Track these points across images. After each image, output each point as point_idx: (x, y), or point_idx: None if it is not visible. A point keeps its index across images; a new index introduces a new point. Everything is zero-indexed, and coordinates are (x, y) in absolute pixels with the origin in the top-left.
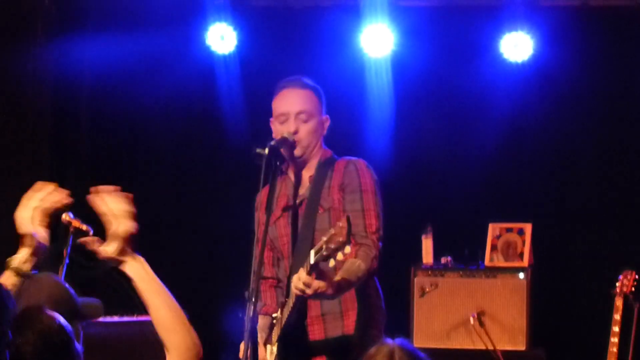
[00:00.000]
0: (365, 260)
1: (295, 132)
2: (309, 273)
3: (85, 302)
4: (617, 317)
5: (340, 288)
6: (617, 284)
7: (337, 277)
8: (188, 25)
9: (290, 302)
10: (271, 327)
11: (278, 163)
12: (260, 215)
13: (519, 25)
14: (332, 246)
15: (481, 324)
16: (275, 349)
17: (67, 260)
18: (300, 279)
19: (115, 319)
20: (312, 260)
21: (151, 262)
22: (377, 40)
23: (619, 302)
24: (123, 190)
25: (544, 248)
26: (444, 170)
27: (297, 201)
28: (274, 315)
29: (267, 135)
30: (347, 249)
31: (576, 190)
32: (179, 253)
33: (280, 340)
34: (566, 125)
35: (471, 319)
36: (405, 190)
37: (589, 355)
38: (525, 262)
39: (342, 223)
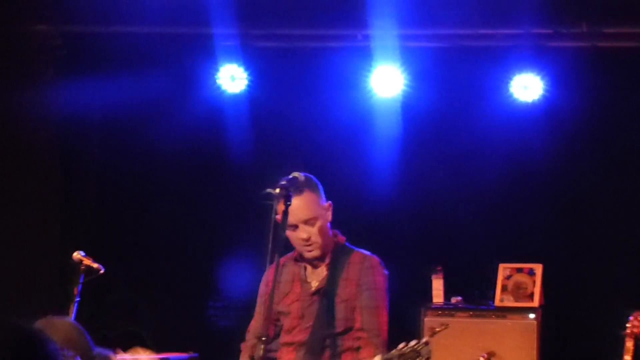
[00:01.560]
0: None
1: (309, 239)
2: None
3: (99, 353)
4: (627, 358)
5: None
6: (628, 325)
7: None
8: (199, 66)
9: None
10: None
11: (288, 203)
12: (268, 292)
13: (528, 66)
14: None
15: None
16: None
17: (77, 298)
18: None
19: (126, 357)
20: None
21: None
22: (387, 81)
23: (629, 343)
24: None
25: (554, 289)
26: (453, 211)
27: (314, 289)
28: None
29: (275, 176)
30: None
31: (586, 231)
32: (187, 300)
33: None
34: (575, 165)
35: (481, 359)
36: (415, 231)
37: None
38: (536, 303)
39: (421, 346)
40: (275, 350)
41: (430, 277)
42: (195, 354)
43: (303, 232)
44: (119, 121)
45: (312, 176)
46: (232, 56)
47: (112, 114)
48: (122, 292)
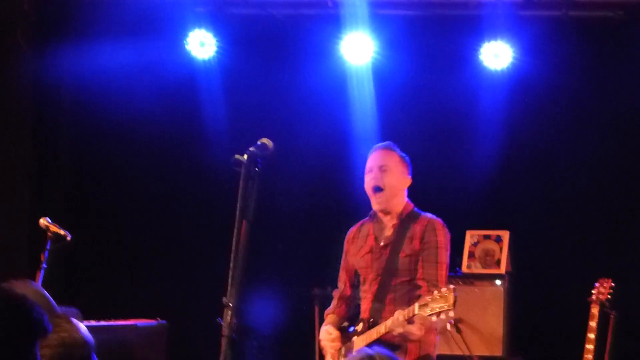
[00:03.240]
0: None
1: (378, 181)
2: (408, 320)
3: (64, 311)
4: (592, 324)
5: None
6: (593, 292)
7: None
8: (168, 32)
9: (379, 329)
10: (342, 330)
11: (257, 169)
12: (349, 247)
13: (499, 34)
14: (437, 307)
15: (458, 330)
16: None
17: (44, 265)
18: (398, 320)
19: (93, 323)
20: (416, 311)
21: (132, 260)
22: (357, 48)
23: (594, 310)
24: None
25: (522, 256)
26: (423, 178)
27: (383, 243)
28: (346, 324)
29: (246, 141)
30: (452, 312)
31: (553, 198)
32: (155, 254)
33: None
34: (544, 133)
35: (448, 326)
36: None
37: None
38: (503, 269)
39: (449, 292)
40: (359, 299)
41: None
42: (163, 321)
43: (376, 175)
44: (90, 88)
45: (405, 154)
46: (201, 22)
47: (83, 81)
48: (91, 259)
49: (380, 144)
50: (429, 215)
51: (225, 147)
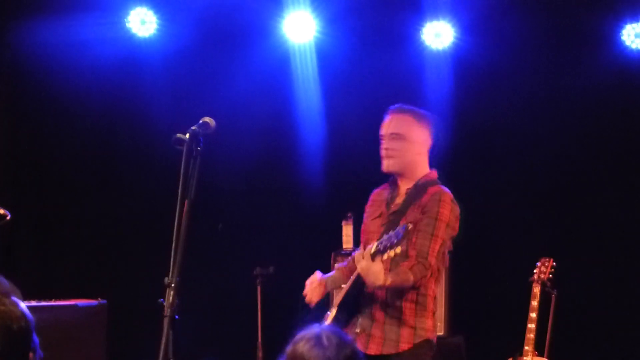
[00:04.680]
0: (416, 275)
1: (387, 149)
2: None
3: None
4: (534, 303)
5: (389, 281)
6: (535, 271)
7: (389, 274)
8: (109, 9)
9: (352, 277)
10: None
11: (199, 148)
12: (367, 209)
13: (440, 13)
14: (387, 243)
15: None
16: (334, 312)
17: None
18: (363, 258)
19: (33, 303)
20: (373, 249)
21: (72, 240)
22: (299, 27)
23: (536, 289)
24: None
25: (463, 235)
26: (366, 157)
27: (391, 210)
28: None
29: (188, 120)
30: (398, 249)
31: (494, 176)
32: (95, 234)
33: (339, 306)
34: (485, 110)
35: None
36: (328, 177)
37: (506, 341)
38: None
39: (400, 229)
40: None
41: (341, 223)
42: (104, 301)
43: (385, 144)
44: (29, 65)
45: (424, 111)
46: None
47: (21, 58)
48: (30, 238)
49: (393, 107)
50: (440, 186)
51: (167, 126)
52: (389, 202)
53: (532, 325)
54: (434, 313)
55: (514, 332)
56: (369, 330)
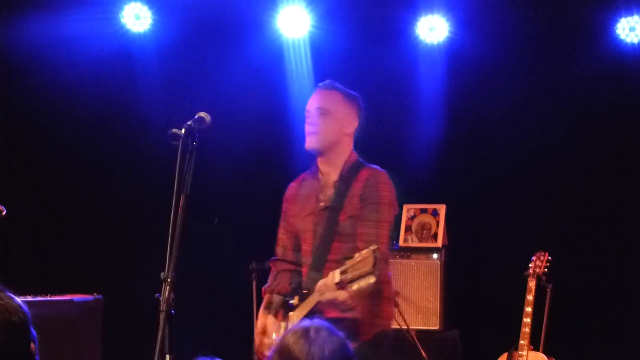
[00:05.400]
0: (378, 275)
1: (312, 124)
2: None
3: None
4: (529, 297)
5: (355, 301)
6: (530, 265)
7: (353, 291)
8: (103, 4)
9: (312, 299)
10: (284, 306)
11: (194, 143)
12: (288, 207)
13: (434, 7)
14: (357, 273)
15: (395, 304)
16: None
17: None
18: (326, 285)
19: (29, 298)
20: (337, 279)
21: (68, 235)
22: (293, 21)
23: (531, 283)
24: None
25: (458, 229)
26: (360, 152)
27: (323, 205)
28: (287, 299)
29: (183, 115)
30: (372, 278)
31: (490, 171)
32: (91, 228)
33: None
34: (482, 106)
35: None
36: None
37: (502, 336)
38: (439, 243)
39: (368, 253)
40: (301, 265)
41: None
42: (99, 296)
43: (310, 119)
44: (23, 60)
45: (354, 92)
46: None
47: (16, 53)
48: (25, 233)
49: (322, 83)
50: (372, 167)
51: (162, 121)
52: (318, 196)
53: (527, 320)
54: (389, 299)
55: (509, 326)
56: None
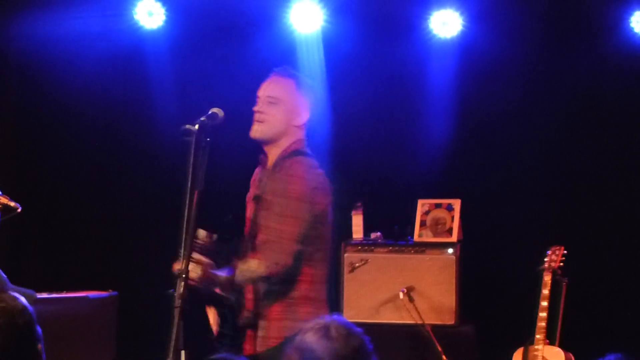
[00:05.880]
0: (267, 266)
1: (259, 111)
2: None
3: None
4: (545, 292)
5: (229, 284)
6: (546, 260)
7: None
8: (117, 0)
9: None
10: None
11: (208, 139)
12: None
13: (447, 2)
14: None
15: (410, 299)
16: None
17: None
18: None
19: (44, 295)
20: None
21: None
22: (306, 17)
23: (547, 278)
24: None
25: (473, 224)
26: (375, 147)
27: (254, 194)
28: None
29: (194, 111)
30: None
31: (504, 166)
32: (105, 225)
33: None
34: (494, 101)
35: (400, 294)
36: (336, 167)
37: (517, 330)
38: (454, 238)
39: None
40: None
41: (350, 213)
42: (115, 293)
43: (259, 107)
44: (36, 56)
45: (309, 80)
46: None
47: (28, 49)
48: (39, 230)
49: (278, 68)
50: (297, 158)
51: (174, 117)
52: (257, 184)
53: (543, 314)
54: (305, 298)
55: (525, 321)
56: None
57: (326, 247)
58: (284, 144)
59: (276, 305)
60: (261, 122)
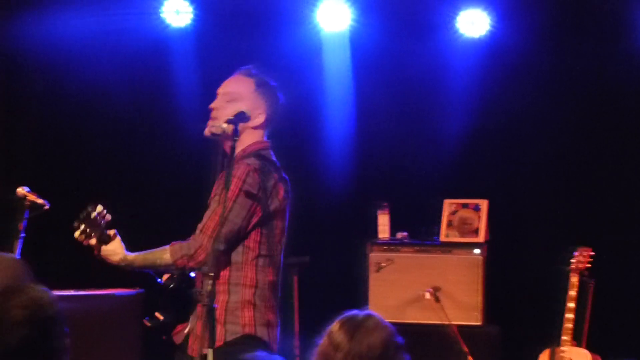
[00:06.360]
0: (173, 253)
1: (213, 109)
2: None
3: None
4: (572, 293)
5: (130, 261)
6: (573, 261)
7: (135, 254)
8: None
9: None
10: None
11: (235, 138)
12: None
13: (475, 1)
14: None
15: (436, 299)
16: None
17: (22, 234)
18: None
19: (71, 292)
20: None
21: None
22: (333, 15)
23: (574, 279)
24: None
25: (500, 225)
26: (401, 147)
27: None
28: None
29: None
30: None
31: (532, 166)
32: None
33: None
34: (522, 101)
35: (427, 294)
36: (363, 166)
37: (544, 331)
38: (481, 238)
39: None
40: None
41: (376, 212)
42: (141, 290)
43: (214, 102)
44: (62, 56)
45: (273, 82)
46: None
47: (55, 48)
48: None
49: (243, 67)
50: (244, 161)
51: (200, 114)
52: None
53: (570, 315)
54: (248, 303)
55: (551, 322)
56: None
57: (271, 253)
58: (245, 142)
59: (219, 308)
60: (215, 118)
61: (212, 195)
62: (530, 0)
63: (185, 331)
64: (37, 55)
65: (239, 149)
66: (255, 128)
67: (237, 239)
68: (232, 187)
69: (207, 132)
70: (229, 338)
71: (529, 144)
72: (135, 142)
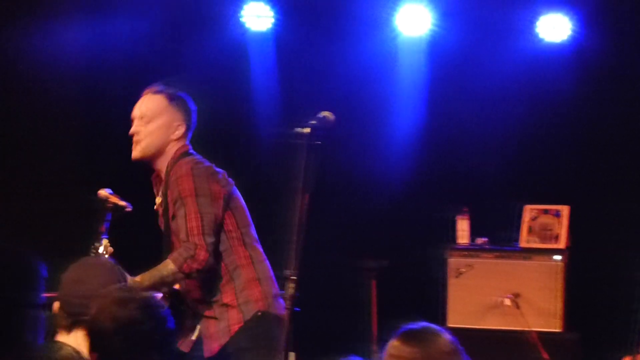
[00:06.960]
0: (176, 260)
1: (135, 134)
2: None
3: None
4: None
5: (139, 283)
6: None
7: (140, 276)
8: (223, 4)
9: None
10: None
11: (318, 142)
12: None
13: (556, 6)
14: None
15: (517, 305)
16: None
17: (105, 236)
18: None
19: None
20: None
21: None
22: (413, 20)
23: None
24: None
25: (582, 231)
26: (480, 152)
27: (157, 208)
28: None
29: (300, 115)
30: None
31: (614, 172)
32: None
33: None
34: (603, 106)
35: (507, 301)
36: (441, 171)
37: (625, 339)
38: (562, 244)
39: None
40: None
41: (455, 218)
42: None
43: (132, 128)
44: (141, 60)
45: (181, 93)
46: None
47: (133, 53)
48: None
49: (151, 85)
50: (180, 161)
51: (279, 118)
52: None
53: None
54: (253, 280)
55: (633, 329)
56: (205, 330)
57: (249, 231)
58: (169, 155)
59: (228, 293)
60: (138, 142)
61: (160, 212)
62: (612, 5)
63: (193, 338)
64: (117, 57)
65: (165, 163)
66: (177, 140)
67: (218, 227)
68: (184, 185)
69: (134, 156)
70: (247, 317)
71: (612, 149)
72: (216, 148)
